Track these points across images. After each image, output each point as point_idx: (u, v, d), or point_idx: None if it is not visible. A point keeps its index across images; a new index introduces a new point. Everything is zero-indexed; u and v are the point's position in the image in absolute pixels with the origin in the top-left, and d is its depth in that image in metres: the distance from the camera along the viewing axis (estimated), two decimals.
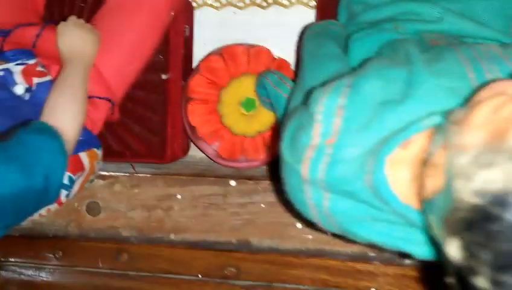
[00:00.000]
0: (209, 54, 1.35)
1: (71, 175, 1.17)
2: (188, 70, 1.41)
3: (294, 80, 1.09)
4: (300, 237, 1.37)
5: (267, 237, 1.38)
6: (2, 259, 1.56)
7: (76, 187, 1.20)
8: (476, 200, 0.49)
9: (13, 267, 1.56)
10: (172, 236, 1.43)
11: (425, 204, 0.60)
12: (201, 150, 1.39)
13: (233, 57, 1.31)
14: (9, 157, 0.99)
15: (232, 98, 1.32)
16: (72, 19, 1.21)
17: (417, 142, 0.65)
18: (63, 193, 1.17)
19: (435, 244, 0.59)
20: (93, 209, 1.45)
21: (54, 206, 1.17)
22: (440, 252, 0.54)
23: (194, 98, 1.31)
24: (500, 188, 0.47)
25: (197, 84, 1.31)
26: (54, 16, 1.37)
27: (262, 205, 1.43)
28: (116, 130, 1.35)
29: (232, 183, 1.43)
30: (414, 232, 0.73)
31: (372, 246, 0.82)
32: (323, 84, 0.79)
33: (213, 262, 1.43)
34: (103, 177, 1.44)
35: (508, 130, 0.50)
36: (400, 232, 0.76)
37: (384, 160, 0.68)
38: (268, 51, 1.32)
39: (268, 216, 1.40)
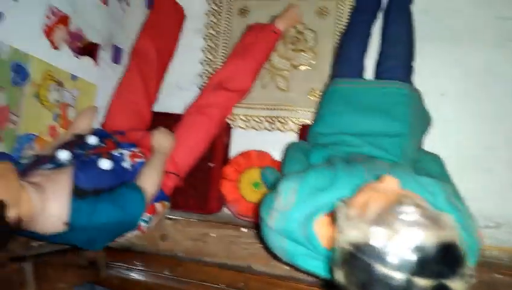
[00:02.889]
0: (236, 155, 2.01)
1: (150, 215, 1.62)
2: (225, 162, 2.01)
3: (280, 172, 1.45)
4: (283, 266, 1.68)
5: (263, 265, 1.72)
6: (109, 262, 1.89)
7: (152, 223, 1.67)
8: (348, 247, 0.64)
9: (115, 268, 1.87)
10: (207, 258, 1.79)
11: (331, 248, 0.76)
12: (228, 209, 2.01)
13: (249, 157, 1.98)
14: (115, 201, 1.32)
15: (247, 180, 1.96)
16: (161, 129, 1.74)
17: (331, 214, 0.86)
18: (144, 225, 1.59)
19: (331, 271, 0.76)
20: (164, 238, 1.91)
21: (137, 233, 1.62)
22: (333, 276, 0.72)
23: (225, 178, 2.00)
24: (359, 241, 0.63)
25: (227, 171, 1.99)
26: (152, 128, 1.91)
27: (260, 245, 1.75)
28: (180, 192, 1.96)
29: (244, 230, 1.79)
30: (325, 263, 0.95)
31: (305, 272, 1.06)
32: (289, 175, 1.09)
33: (232, 278, 1.73)
34: (170, 219, 1.91)
35: (366, 209, 0.68)
36: (319, 263, 0.98)
37: (313, 221, 0.93)
38: (269, 155, 1.97)
39: (265, 251, 1.71)
